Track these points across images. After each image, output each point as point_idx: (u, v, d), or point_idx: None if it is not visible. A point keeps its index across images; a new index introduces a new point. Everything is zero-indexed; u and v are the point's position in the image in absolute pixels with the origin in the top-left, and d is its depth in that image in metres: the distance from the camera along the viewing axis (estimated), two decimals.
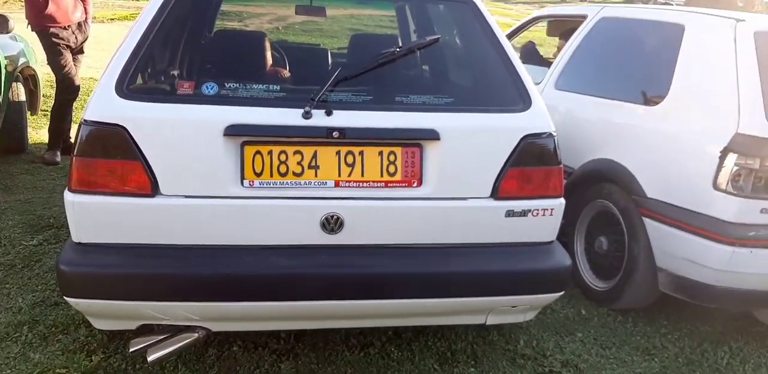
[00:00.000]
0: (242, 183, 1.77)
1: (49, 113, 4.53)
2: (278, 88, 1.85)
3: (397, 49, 1.92)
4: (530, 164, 1.91)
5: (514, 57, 1.99)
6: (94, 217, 1.75)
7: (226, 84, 1.83)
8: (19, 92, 4.45)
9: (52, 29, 4.18)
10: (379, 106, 1.85)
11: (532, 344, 2.47)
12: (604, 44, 3.31)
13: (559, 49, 4.07)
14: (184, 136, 1.74)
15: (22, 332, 2.30)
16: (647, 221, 2.58)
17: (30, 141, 4.75)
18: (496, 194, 1.89)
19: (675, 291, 2.53)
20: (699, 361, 2.46)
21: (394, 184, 1.84)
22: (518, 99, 1.93)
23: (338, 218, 1.81)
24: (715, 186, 2.35)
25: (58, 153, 4.45)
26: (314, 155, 1.79)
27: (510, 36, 4.42)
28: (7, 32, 3.93)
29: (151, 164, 1.73)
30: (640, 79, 2.96)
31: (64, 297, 1.80)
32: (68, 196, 1.76)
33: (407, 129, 1.81)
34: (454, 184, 1.87)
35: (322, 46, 3.81)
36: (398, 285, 1.85)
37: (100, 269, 1.75)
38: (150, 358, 1.82)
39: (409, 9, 2.98)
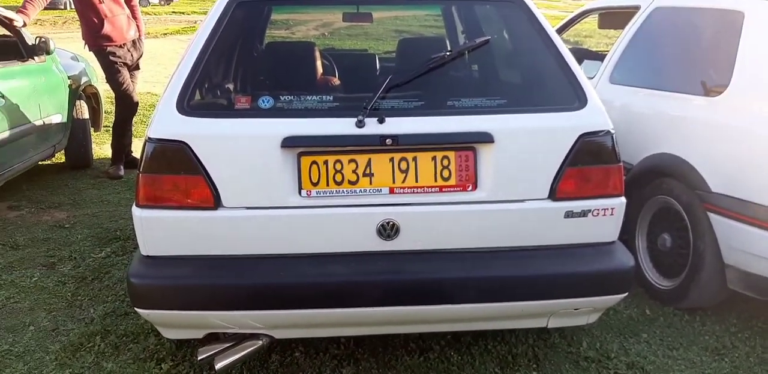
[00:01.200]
0: (300, 193, 1.81)
1: (111, 129, 4.72)
2: (330, 98, 1.88)
3: (447, 54, 1.92)
4: (588, 163, 1.87)
5: (567, 54, 1.96)
6: (161, 230, 1.82)
7: (280, 97, 1.86)
8: (83, 110, 4.66)
9: (108, 48, 4.35)
10: (431, 111, 1.85)
11: (596, 346, 2.42)
12: (659, 35, 3.22)
13: None
14: (243, 149, 1.79)
15: (95, 342, 2.40)
16: (712, 216, 2.49)
17: (95, 157, 4.96)
18: (554, 195, 1.86)
19: (745, 289, 2.44)
20: None
21: (449, 188, 1.83)
22: (573, 97, 1.89)
23: (394, 224, 1.82)
24: None
25: (122, 167, 4.63)
26: (368, 163, 1.81)
27: (560, 30, 4.35)
28: (48, 53, 4.10)
29: (212, 177, 1.78)
30: (699, 70, 2.85)
31: (135, 309, 1.87)
32: (136, 211, 1.83)
33: (459, 133, 1.80)
34: (510, 186, 1.85)
35: (369, 52, 3.84)
36: (457, 290, 1.84)
37: (169, 281, 1.81)
38: (218, 366, 1.87)
39: (455, 9, 2.97)
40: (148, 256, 1.85)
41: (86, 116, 4.70)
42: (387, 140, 1.76)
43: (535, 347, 2.41)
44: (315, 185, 1.81)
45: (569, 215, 1.87)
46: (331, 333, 2.04)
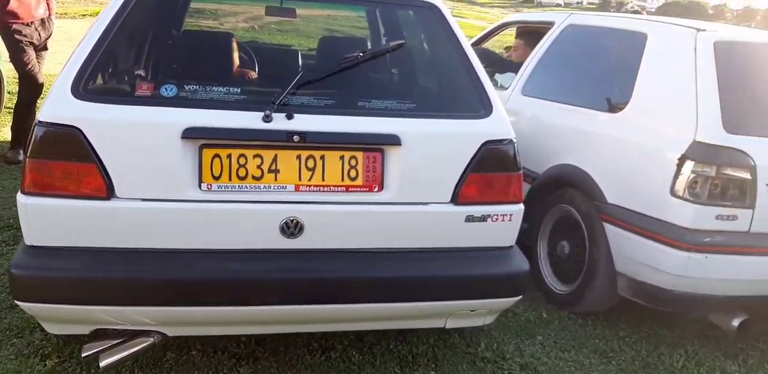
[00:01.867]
0: (200, 187, 1.76)
1: (13, 111, 4.43)
2: (239, 90, 1.84)
3: (361, 54, 1.93)
4: (490, 170, 1.92)
5: (477, 64, 2.01)
6: (47, 219, 1.72)
7: (186, 86, 1.81)
8: None
9: (14, 26, 4.08)
10: (341, 110, 1.85)
11: (493, 347, 2.50)
12: (570, 51, 3.36)
13: (515, 49, 4.12)
14: (141, 138, 1.72)
15: None
16: (607, 226, 2.63)
17: None
18: (456, 199, 1.90)
19: (633, 296, 2.58)
20: (655, 364, 2.50)
21: (355, 188, 1.84)
22: (479, 105, 1.94)
23: (298, 222, 1.80)
24: (673, 193, 2.40)
25: (21, 152, 4.34)
26: (274, 159, 1.78)
27: (480, 41, 4.47)
28: None
29: (106, 166, 1.70)
30: (603, 87, 3.00)
31: (16, 301, 1.76)
32: (21, 198, 1.72)
33: (369, 134, 1.81)
34: (415, 189, 1.87)
35: (293, 48, 3.79)
36: (358, 290, 1.85)
37: (54, 273, 1.71)
38: (102, 363, 1.79)
39: (378, 12, 2.99)
40: (32, 246, 1.75)
41: None
42: (294, 137, 1.75)
43: (435, 347, 2.45)
44: (216, 179, 1.76)
45: (470, 219, 1.92)
46: (229, 332, 1.99)
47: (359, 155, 1.82)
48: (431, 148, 1.87)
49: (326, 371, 2.26)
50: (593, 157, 2.79)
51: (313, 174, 1.81)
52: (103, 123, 1.70)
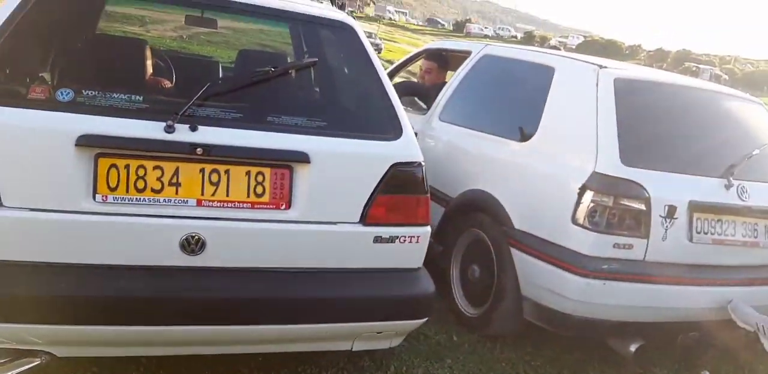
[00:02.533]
0: (94, 198, 1.67)
1: None
2: (142, 98, 1.77)
3: (273, 69, 1.91)
4: (399, 192, 1.94)
5: (389, 86, 2.04)
6: None
7: (84, 91, 1.72)
8: None
9: None
10: (250, 124, 1.82)
11: (402, 370, 2.48)
12: (484, 80, 3.48)
13: (427, 71, 4.19)
14: (32, 144, 1.62)
15: None
16: (514, 251, 2.69)
17: None
18: (364, 219, 1.90)
19: (537, 320, 2.64)
20: None
21: (261, 205, 1.80)
22: (390, 127, 1.97)
23: (199, 238, 1.74)
24: (574, 220, 2.49)
25: None
26: (176, 172, 1.72)
27: (402, 65, 4.56)
28: None
29: None
30: (514, 116, 3.12)
31: None
32: None
33: (277, 150, 1.79)
34: (324, 208, 1.86)
35: (214, 59, 3.72)
36: (261, 311, 1.79)
37: None
38: None
39: (301, 30, 3.00)
40: None
41: None
42: (197, 149, 1.70)
43: (345, 370, 2.41)
44: (113, 190, 1.68)
45: (378, 240, 1.91)
46: (124, 353, 1.87)
47: (266, 171, 1.79)
48: (340, 167, 1.86)
49: None
50: (502, 183, 2.87)
51: (217, 189, 1.76)
52: None
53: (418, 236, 1.97)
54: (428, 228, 2.02)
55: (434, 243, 3.20)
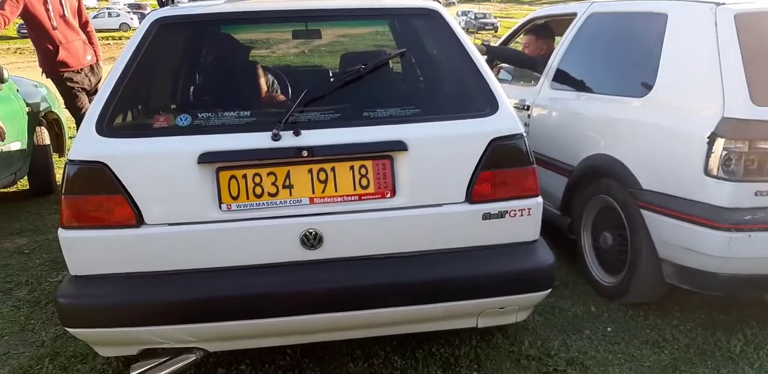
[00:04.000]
0: (220, 207, 1.85)
1: None
2: (249, 114, 1.94)
3: (362, 67, 1.99)
4: (502, 166, 1.93)
5: (480, 62, 2.03)
6: (85, 250, 1.86)
7: (198, 114, 1.92)
8: (44, 136, 4.69)
9: (65, 74, 4.39)
10: (347, 122, 1.91)
11: (537, 344, 2.47)
12: (594, 40, 3.31)
13: (526, 46, 4.08)
14: (162, 167, 1.83)
15: (43, 364, 2.42)
16: (645, 213, 2.56)
17: (59, 182, 4.97)
18: (470, 198, 1.92)
19: (680, 282, 2.50)
20: (711, 351, 2.41)
21: (368, 196, 1.89)
22: (485, 103, 1.96)
23: (317, 233, 1.87)
24: (707, 172, 2.32)
25: None
26: (287, 175, 1.86)
27: (508, 39, 4.46)
28: (2, 82, 4.12)
29: (133, 196, 1.82)
30: (629, 72, 2.95)
31: (65, 328, 1.90)
32: (61, 232, 1.87)
33: (374, 143, 1.86)
34: (428, 192, 1.91)
35: (324, 68, 3.90)
36: (382, 295, 1.89)
37: (94, 300, 1.85)
38: None
39: (396, 22, 3.05)
40: (76, 276, 1.89)
41: (47, 142, 4.73)
42: (303, 152, 1.82)
43: (478, 348, 2.45)
44: (235, 198, 1.85)
45: (487, 216, 1.93)
46: (265, 344, 2.07)
47: (368, 163, 1.87)
48: (438, 150, 1.89)
49: None
50: (624, 144, 2.73)
51: (325, 186, 1.87)
52: (126, 156, 1.83)
53: (529, 209, 1.96)
54: (539, 199, 1.99)
55: (561, 215, 3.13)
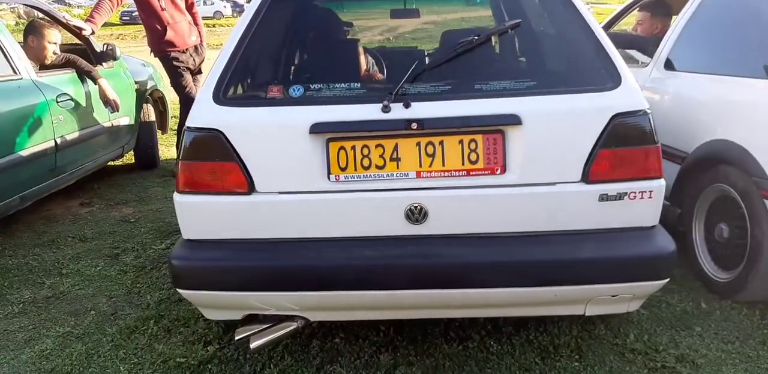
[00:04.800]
0: (329, 178, 1.85)
1: (176, 131, 4.95)
2: (358, 85, 1.92)
3: (475, 38, 1.92)
4: (623, 145, 1.81)
5: (601, 34, 1.91)
6: (199, 215, 1.91)
7: (311, 85, 1.92)
8: (150, 113, 4.92)
9: (172, 54, 4.56)
10: (458, 95, 1.85)
11: (644, 338, 2.34)
12: (716, 19, 3.08)
13: (640, 22, 3.84)
14: (275, 136, 1.85)
15: (148, 325, 2.53)
16: None
17: (161, 157, 5.21)
18: (587, 177, 1.82)
19: None
20: None
21: (477, 172, 1.83)
22: (606, 77, 1.85)
23: (422, 208, 1.83)
24: None
25: None
26: (395, 148, 1.83)
27: (611, 23, 4.24)
28: (115, 59, 4.34)
29: (246, 164, 1.85)
30: (755, 51, 2.71)
31: (177, 289, 1.96)
32: (176, 197, 1.92)
33: (486, 116, 1.80)
34: (541, 169, 1.82)
35: (419, 49, 3.86)
36: (487, 274, 1.83)
37: (206, 263, 1.90)
38: (252, 345, 1.93)
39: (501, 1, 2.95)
40: (188, 240, 1.94)
41: (153, 118, 4.95)
42: (412, 124, 1.78)
43: (579, 338, 2.35)
44: (343, 170, 1.84)
45: (604, 198, 1.82)
46: (363, 317, 2.06)
47: (478, 137, 1.81)
48: (555, 125, 1.80)
49: (464, 360, 2.25)
50: (748, 129, 2.52)
51: (433, 160, 1.83)
52: (242, 125, 1.85)
53: (650, 191, 1.83)
54: (662, 182, 1.86)
55: (671, 205, 2.95)
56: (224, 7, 33.97)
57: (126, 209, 4.08)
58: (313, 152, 1.83)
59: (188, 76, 4.68)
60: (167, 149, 5.53)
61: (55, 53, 3.87)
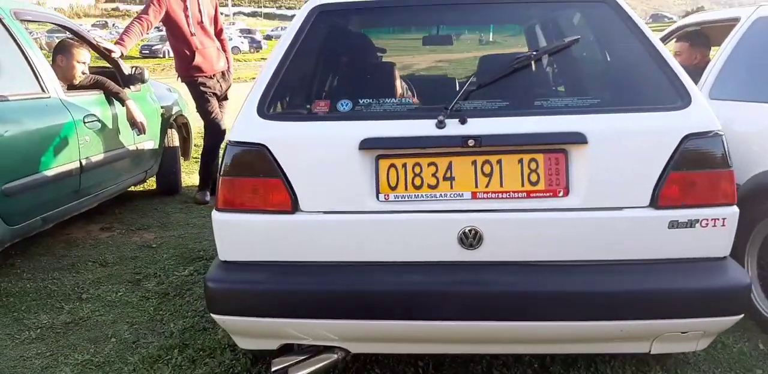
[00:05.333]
0: (378, 197, 1.74)
1: (200, 157, 4.88)
2: (410, 101, 1.83)
3: (533, 53, 1.83)
4: (695, 168, 1.70)
5: (665, 52, 1.82)
6: (238, 234, 1.79)
7: (359, 100, 1.83)
8: (174, 139, 4.86)
9: (199, 79, 4.53)
10: (517, 111, 1.76)
11: None
12: (764, 46, 2.99)
13: (677, 54, 3.77)
14: (322, 152, 1.75)
15: (172, 355, 2.39)
16: None
17: (183, 184, 5.13)
18: (656, 202, 1.69)
19: None
20: None
21: (537, 194, 1.71)
22: (675, 96, 1.74)
23: (476, 232, 1.71)
24: None
25: (208, 193, 4.75)
26: (449, 166, 1.72)
27: None
28: (143, 82, 4.31)
29: (291, 181, 1.74)
30: None
31: (211, 314, 1.83)
32: (215, 215, 1.82)
33: (549, 134, 1.69)
34: (607, 192, 1.70)
35: (449, 76, 3.79)
36: (546, 306, 1.69)
37: (244, 286, 1.77)
38: None
39: (539, 25, 2.88)
40: (225, 261, 1.82)
41: (177, 143, 4.90)
42: (469, 141, 1.67)
43: None
44: (393, 189, 1.73)
45: (674, 225, 1.69)
46: (408, 350, 1.92)
47: (539, 157, 1.70)
48: (623, 145, 1.69)
49: None
50: None
51: (490, 180, 1.71)
52: (287, 139, 1.76)
53: (723, 219, 1.70)
54: (735, 209, 1.73)
55: None
56: (242, 42, 34.67)
57: (147, 234, 3.98)
58: (362, 170, 1.73)
59: (215, 102, 4.64)
60: (189, 176, 5.47)
61: (83, 73, 3.84)
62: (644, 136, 1.69)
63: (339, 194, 1.75)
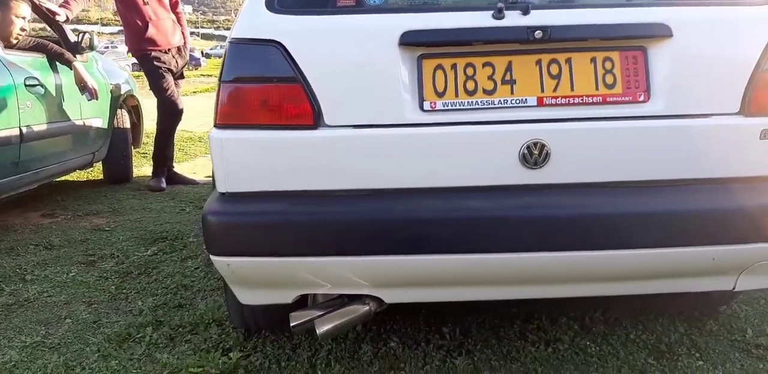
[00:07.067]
0: (422, 106, 1.41)
1: (153, 142, 4.42)
2: None
3: None
4: None
5: None
6: (246, 156, 1.42)
7: None
8: (124, 120, 4.39)
9: (152, 53, 4.10)
10: (589, 1, 1.48)
11: (765, 333, 1.93)
12: None
13: None
14: (352, 49, 1.41)
15: (145, 332, 1.98)
16: None
17: (134, 174, 4.63)
18: (746, 108, 1.44)
19: None
20: None
21: (615, 98, 1.43)
22: None
23: (543, 146, 1.41)
24: None
25: (163, 180, 4.29)
26: (509, 67, 1.42)
27: None
28: (91, 49, 3.83)
29: (312, 87, 1.40)
30: None
31: (212, 257, 1.44)
32: (214, 133, 1.45)
33: (627, 25, 1.41)
34: (693, 97, 1.43)
35: None
36: (631, 230, 1.40)
37: (255, 218, 1.40)
38: (320, 331, 1.43)
39: None
40: (228, 193, 1.45)
41: (127, 125, 4.42)
42: (536, 32, 1.38)
43: (691, 335, 1.93)
44: (440, 95, 1.41)
45: (766, 135, 1.44)
46: (455, 296, 1.56)
47: (615, 55, 1.43)
48: (711, 41, 1.43)
49: (558, 364, 1.79)
50: None
51: (558, 83, 1.42)
52: (307, 35, 1.41)
53: None
54: None
55: None
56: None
57: (98, 219, 3.49)
58: (402, 72, 1.40)
59: (170, 79, 4.21)
60: (138, 169, 4.94)
61: (23, 30, 3.36)
62: (735, 30, 1.44)
63: (372, 103, 1.41)
